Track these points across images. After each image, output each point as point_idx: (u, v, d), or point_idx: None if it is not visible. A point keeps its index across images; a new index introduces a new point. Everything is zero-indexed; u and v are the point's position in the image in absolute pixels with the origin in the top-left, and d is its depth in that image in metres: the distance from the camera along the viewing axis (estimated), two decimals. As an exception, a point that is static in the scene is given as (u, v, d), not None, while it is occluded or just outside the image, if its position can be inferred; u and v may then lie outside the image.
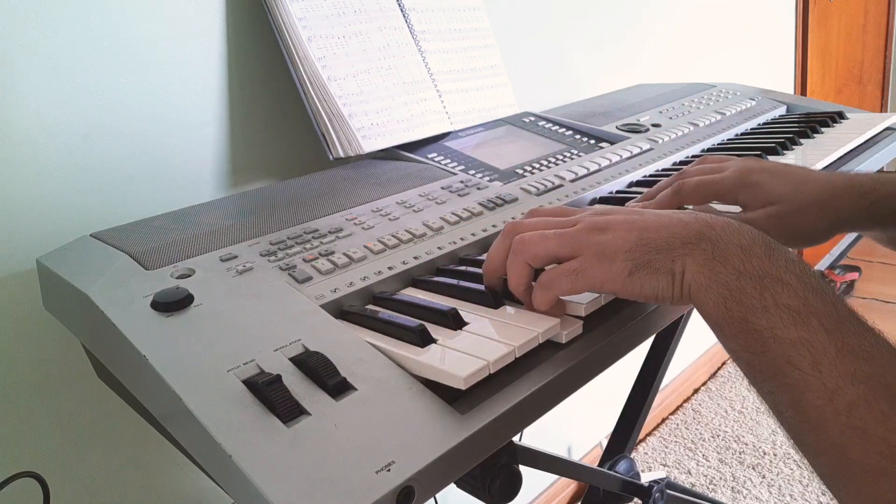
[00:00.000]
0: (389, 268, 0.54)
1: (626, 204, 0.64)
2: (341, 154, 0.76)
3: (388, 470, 0.34)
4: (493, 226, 0.62)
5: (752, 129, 1.00)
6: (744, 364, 0.40)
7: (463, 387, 0.39)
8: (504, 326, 0.45)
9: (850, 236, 2.91)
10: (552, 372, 0.43)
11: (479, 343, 0.43)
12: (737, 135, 0.97)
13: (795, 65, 2.28)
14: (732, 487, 1.61)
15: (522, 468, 0.48)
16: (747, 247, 0.41)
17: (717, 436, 1.80)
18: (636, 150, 0.85)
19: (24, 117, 0.65)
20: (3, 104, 0.64)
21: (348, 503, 0.32)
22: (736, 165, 0.62)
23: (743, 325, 0.39)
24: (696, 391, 2.01)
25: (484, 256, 0.57)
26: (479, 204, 0.65)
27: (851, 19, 2.65)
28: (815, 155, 0.83)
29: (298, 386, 0.39)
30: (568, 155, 0.82)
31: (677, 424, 1.86)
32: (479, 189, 0.70)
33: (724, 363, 2.14)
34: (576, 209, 0.51)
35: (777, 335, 0.38)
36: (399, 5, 0.87)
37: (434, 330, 0.45)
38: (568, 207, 0.53)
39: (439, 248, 0.58)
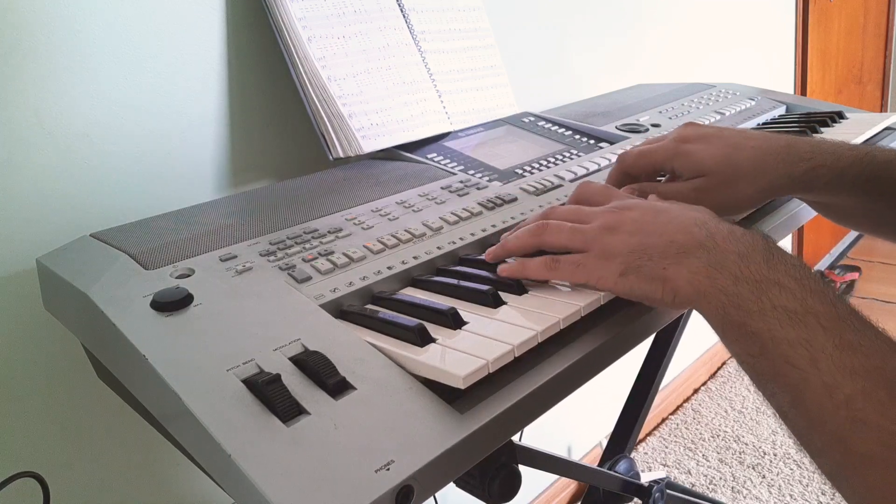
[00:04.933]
0: (389, 268, 0.54)
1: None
2: (341, 154, 0.76)
3: (388, 469, 0.34)
4: (493, 226, 0.62)
5: (751, 129, 1.00)
6: (747, 368, 0.41)
7: (462, 386, 0.39)
8: (503, 326, 0.45)
9: (850, 237, 2.92)
10: (552, 371, 0.43)
11: (478, 342, 0.43)
12: (736, 135, 0.97)
13: (795, 65, 2.28)
14: (732, 487, 1.61)
15: (522, 468, 0.48)
16: (746, 253, 0.42)
17: (717, 436, 1.80)
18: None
19: (24, 117, 0.65)
20: (3, 104, 0.64)
21: (348, 502, 0.32)
22: (673, 134, 0.63)
23: (742, 329, 0.40)
24: (696, 391, 2.01)
25: (484, 256, 0.58)
26: (479, 204, 0.66)
27: (851, 19, 2.65)
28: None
29: (298, 385, 0.39)
30: (568, 155, 0.82)
31: (677, 424, 1.86)
32: (478, 189, 0.70)
33: (724, 363, 2.14)
34: (612, 193, 0.55)
35: (775, 336, 0.38)
36: (399, 5, 0.88)
37: (433, 329, 0.45)
38: (609, 190, 0.56)
39: (439, 248, 0.58)
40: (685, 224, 0.46)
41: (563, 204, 0.57)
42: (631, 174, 0.65)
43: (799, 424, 0.38)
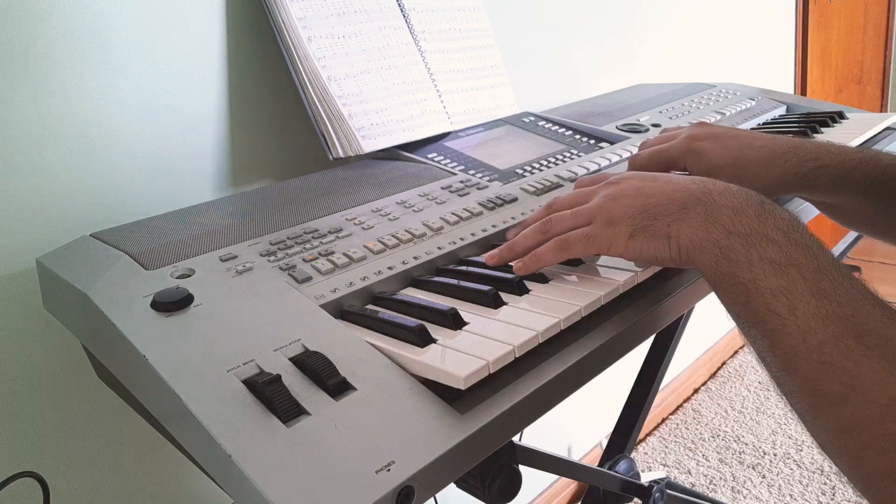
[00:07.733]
0: (389, 268, 0.54)
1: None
2: (341, 154, 0.76)
3: (388, 470, 0.34)
4: (493, 226, 0.62)
5: (752, 129, 1.00)
6: (734, 315, 0.44)
7: (463, 386, 0.39)
8: (504, 326, 0.45)
9: (850, 237, 2.92)
10: (552, 372, 0.43)
11: (478, 343, 0.43)
12: (737, 135, 0.97)
13: (795, 65, 2.28)
14: (732, 487, 1.61)
15: (522, 468, 0.48)
16: (739, 208, 0.45)
17: (717, 436, 1.80)
18: (636, 151, 0.84)
19: (24, 117, 0.65)
20: (4, 104, 0.64)
21: (348, 503, 0.32)
22: (685, 132, 0.66)
23: (731, 280, 0.43)
24: (696, 391, 2.01)
25: (483, 258, 0.57)
26: (479, 204, 0.65)
27: (851, 19, 2.65)
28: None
29: (298, 386, 0.39)
30: (568, 155, 0.82)
31: (677, 424, 1.86)
32: (478, 189, 0.70)
33: (724, 363, 2.14)
34: (605, 176, 0.56)
35: (759, 285, 0.41)
36: (399, 5, 0.87)
37: (434, 330, 0.45)
38: (601, 175, 0.58)
39: (439, 248, 0.58)
40: (683, 183, 0.49)
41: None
42: None
43: (775, 367, 0.40)
